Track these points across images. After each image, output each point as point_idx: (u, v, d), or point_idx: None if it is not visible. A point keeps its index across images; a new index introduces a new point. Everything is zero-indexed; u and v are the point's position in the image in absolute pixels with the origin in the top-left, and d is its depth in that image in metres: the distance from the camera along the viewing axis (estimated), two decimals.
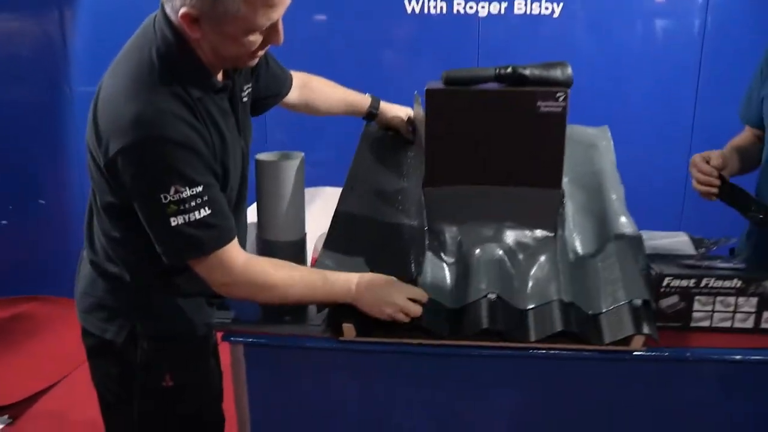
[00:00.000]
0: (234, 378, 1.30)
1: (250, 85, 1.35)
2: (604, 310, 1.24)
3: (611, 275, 1.28)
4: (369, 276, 1.24)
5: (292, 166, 1.40)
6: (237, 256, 1.18)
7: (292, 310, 1.33)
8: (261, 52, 1.17)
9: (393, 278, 1.23)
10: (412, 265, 1.35)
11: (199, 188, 1.10)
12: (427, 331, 1.23)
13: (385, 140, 1.71)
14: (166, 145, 1.08)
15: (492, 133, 1.33)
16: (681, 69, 2.90)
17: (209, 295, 1.30)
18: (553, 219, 1.36)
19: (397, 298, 1.20)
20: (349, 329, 1.27)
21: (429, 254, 1.36)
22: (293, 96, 1.54)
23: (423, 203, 1.39)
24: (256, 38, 1.12)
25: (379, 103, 1.65)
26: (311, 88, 1.58)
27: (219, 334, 1.35)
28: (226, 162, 1.22)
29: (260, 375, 1.29)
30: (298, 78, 1.55)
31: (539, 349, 1.21)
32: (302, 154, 1.44)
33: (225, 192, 1.21)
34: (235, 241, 1.18)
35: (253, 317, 1.33)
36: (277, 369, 1.29)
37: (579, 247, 1.36)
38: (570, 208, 1.42)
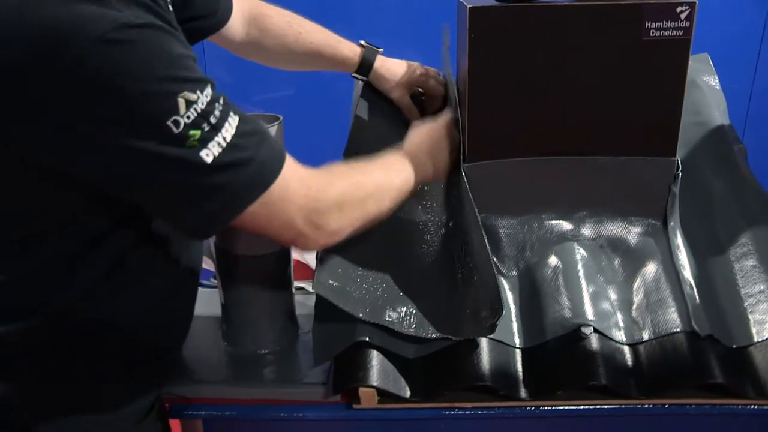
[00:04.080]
0: None
1: None
2: (756, 341, 0.84)
3: (756, 285, 0.88)
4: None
5: None
6: (298, 167, 0.75)
7: (271, 362, 0.90)
8: None
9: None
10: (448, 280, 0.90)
11: (209, 87, 0.66)
12: (489, 390, 0.82)
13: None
14: (132, 33, 0.60)
15: (570, 75, 0.88)
16: None
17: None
18: (662, 202, 0.92)
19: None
20: (368, 395, 0.84)
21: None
22: (237, 31, 1.01)
23: (464, 184, 0.92)
24: None
25: (375, 57, 1.10)
26: (265, 26, 1.05)
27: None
28: None
29: None
30: (247, 4, 1.03)
31: (658, 404, 0.83)
32: (280, 117, 0.93)
33: None
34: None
35: (211, 375, 0.90)
36: None
37: (698, 241, 0.93)
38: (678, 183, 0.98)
